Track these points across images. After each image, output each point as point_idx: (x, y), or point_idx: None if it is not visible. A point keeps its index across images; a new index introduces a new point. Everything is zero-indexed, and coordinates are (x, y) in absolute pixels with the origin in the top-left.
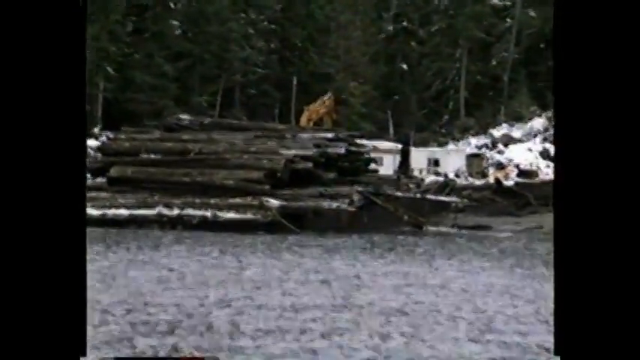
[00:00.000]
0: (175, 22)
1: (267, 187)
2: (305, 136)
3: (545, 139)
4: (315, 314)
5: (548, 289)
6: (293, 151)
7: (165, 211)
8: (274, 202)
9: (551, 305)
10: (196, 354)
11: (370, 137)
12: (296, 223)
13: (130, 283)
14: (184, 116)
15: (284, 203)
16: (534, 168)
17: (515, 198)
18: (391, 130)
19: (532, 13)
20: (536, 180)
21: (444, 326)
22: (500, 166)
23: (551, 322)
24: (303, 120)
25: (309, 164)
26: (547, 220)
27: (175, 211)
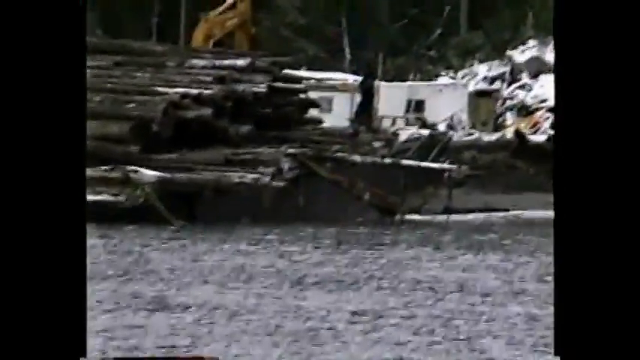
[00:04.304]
0: None
1: (135, 148)
2: (200, 63)
3: None
4: None
5: None
6: (180, 90)
7: None
8: (148, 174)
9: None
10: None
11: (311, 66)
12: (185, 208)
13: None
14: None
15: (165, 175)
16: None
17: (550, 162)
18: (347, 54)
19: None
20: None
21: None
22: (525, 111)
23: None
24: (199, 37)
25: (207, 111)
26: None
27: None
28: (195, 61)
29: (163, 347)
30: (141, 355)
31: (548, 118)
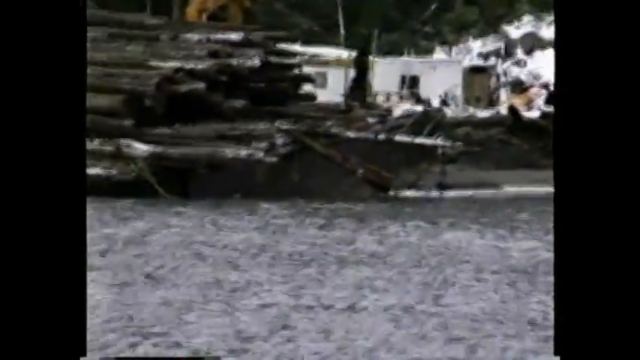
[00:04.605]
0: None
1: (128, 122)
2: (194, 37)
3: None
4: None
5: None
6: (173, 63)
7: None
8: (141, 149)
9: None
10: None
11: (306, 40)
12: (178, 184)
13: None
14: None
15: (158, 150)
16: None
17: (543, 138)
18: (341, 29)
19: None
20: None
21: None
22: (519, 88)
23: None
24: (192, 11)
25: (201, 85)
26: None
27: None
28: (189, 35)
29: (154, 325)
30: (140, 327)
31: (542, 94)
